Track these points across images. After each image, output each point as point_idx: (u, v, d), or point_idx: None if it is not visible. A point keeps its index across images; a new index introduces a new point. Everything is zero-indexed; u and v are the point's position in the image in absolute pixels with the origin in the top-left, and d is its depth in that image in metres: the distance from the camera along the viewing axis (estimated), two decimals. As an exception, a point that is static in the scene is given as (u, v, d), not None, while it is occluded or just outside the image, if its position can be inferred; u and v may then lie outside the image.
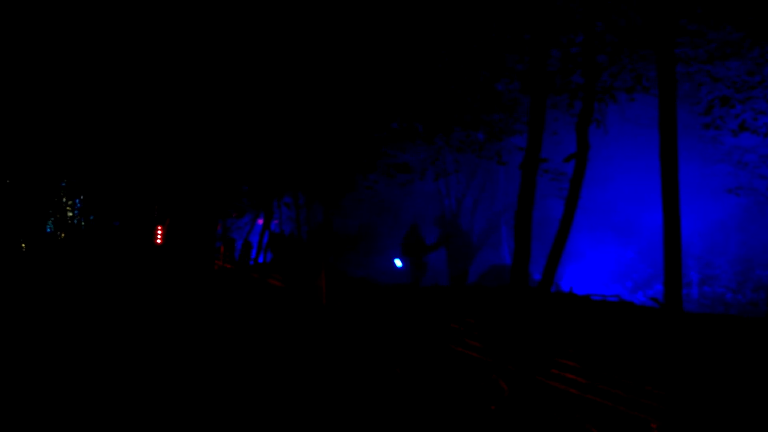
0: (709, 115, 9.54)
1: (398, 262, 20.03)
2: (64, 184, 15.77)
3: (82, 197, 16.07)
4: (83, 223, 16.18)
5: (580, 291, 11.97)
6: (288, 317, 10.77)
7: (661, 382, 5.19)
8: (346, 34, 8.59)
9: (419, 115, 9.62)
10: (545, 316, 6.82)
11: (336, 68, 9.07)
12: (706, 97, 9.44)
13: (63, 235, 15.79)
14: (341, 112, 9.71)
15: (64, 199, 15.87)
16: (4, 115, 12.62)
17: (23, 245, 14.75)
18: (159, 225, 14.78)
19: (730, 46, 8.47)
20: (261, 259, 16.53)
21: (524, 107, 9.94)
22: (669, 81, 5.83)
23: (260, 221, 17.76)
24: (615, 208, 22.60)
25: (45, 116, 12.59)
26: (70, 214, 15.98)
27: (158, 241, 14.87)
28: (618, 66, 8.07)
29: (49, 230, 15.78)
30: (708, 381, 5.22)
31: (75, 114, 12.38)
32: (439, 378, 6.60)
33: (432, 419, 5.68)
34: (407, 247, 16.53)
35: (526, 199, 7.50)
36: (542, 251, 9.71)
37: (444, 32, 8.36)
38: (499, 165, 10.93)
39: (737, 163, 13.73)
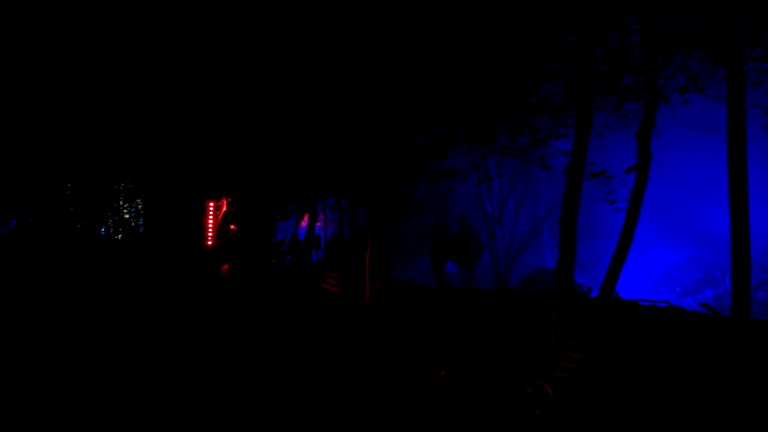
0: (766, 116, 9.21)
1: None
2: (121, 188, 16.48)
3: (139, 200, 16.76)
4: (140, 226, 16.86)
5: (626, 295, 11.68)
6: (333, 316, 11.02)
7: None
8: (391, 42, 8.74)
9: (463, 121, 9.64)
10: (608, 326, 6.76)
11: (382, 75, 9.23)
12: (763, 97, 9.12)
13: (120, 237, 16.51)
14: (387, 118, 9.86)
15: (122, 202, 16.58)
16: (64, 124, 13.32)
17: (83, 248, 15.49)
18: (210, 228, 15.27)
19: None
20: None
21: (569, 110, 9.81)
22: (737, 83, 5.73)
23: (304, 223, 18.13)
24: (666, 211, 21.96)
25: (106, 121, 13.22)
26: (127, 216, 16.69)
27: (209, 243, 15.40)
28: (672, 68, 7.90)
29: (109, 232, 16.51)
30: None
31: (136, 120, 12.95)
32: (485, 382, 6.64)
33: (474, 422, 5.73)
34: (432, 251, 16.55)
35: (571, 204, 7.44)
36: (586, 255, 9.58)
37: (489, 38, 8.38)
38: (543, 169, 10.84)
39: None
